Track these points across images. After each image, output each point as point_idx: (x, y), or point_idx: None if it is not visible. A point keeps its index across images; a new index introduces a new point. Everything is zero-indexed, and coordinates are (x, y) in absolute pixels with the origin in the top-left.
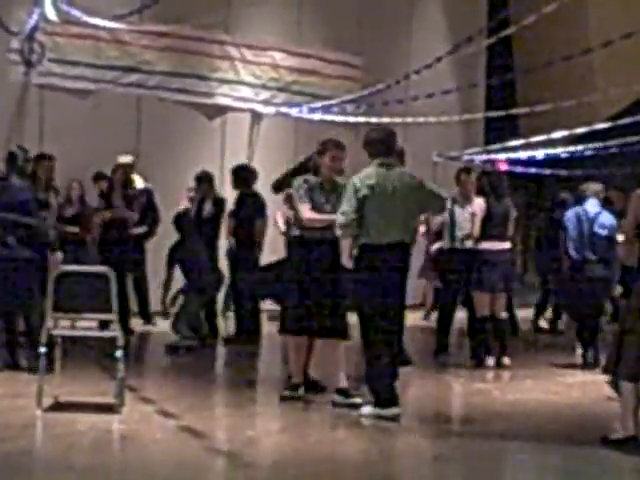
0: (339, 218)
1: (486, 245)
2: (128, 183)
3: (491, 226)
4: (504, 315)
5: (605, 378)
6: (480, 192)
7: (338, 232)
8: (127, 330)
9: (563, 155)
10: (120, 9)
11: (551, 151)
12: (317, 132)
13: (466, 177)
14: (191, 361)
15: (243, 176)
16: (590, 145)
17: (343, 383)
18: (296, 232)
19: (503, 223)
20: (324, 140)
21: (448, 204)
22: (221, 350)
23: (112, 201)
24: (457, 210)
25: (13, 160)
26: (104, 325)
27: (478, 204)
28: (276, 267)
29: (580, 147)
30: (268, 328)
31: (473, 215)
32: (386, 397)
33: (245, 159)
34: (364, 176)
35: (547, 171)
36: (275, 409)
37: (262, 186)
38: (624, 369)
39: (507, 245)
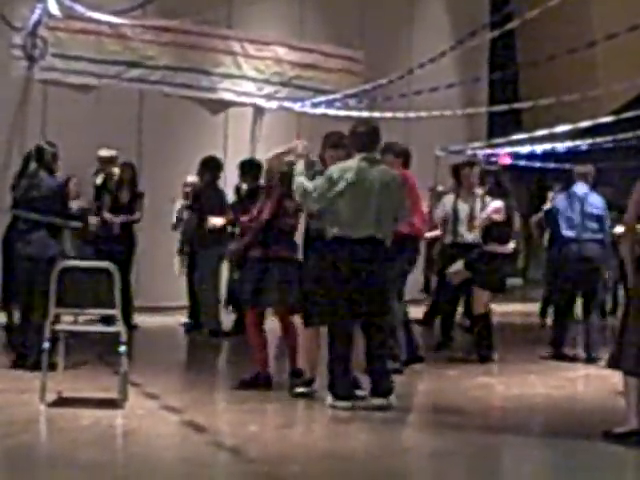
0: (309, 187)
1: (492, 247)
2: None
3: (499, 227)
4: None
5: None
6: (488, 191)
7: (301, 199)
8: (130, 325)
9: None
10: (122, 4)
11: (552, 145)
12: (320, 127)
13: (469, 171)
14: (194, 356)
15: (249, 170)
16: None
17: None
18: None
19: (507, 224)
20: (327, 134)
21: (451, 198)
22: (224, 345)
23: (120, 199)
24: (460, 205)
25: (41, 155)
26: (106, 320)
27: (497, 206)
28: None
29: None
30: (271, 324)
31: (489, 214)
32: (340, 391)
33: (247, 154)
34: (342, 169)
35: (551, 165)
36: (278, 404)
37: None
38: (627, 363)
39: (511, 245)
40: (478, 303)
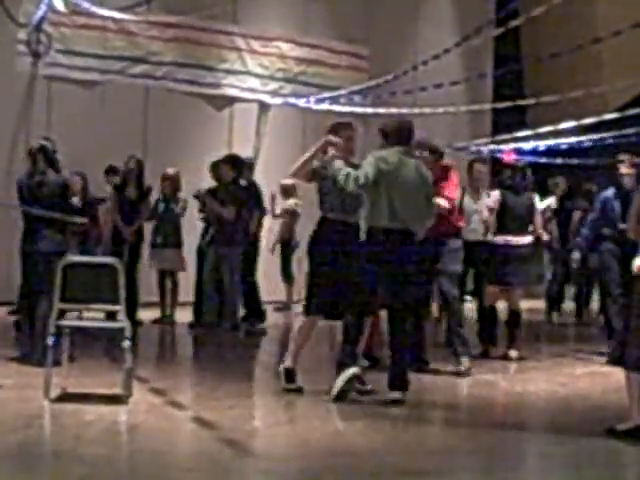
0: (359, 174)
1: (499, 239)
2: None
3: (508, 220)
4: (519, 308)
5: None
6: (500, 185)
7: (351, 186)
8: (135, 321)
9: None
10: (127, 0)
11: (556, 142)
12: (324, 123)
13: (479, 167)
14: (198, 352)
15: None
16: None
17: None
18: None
19: (522, 218)
20: (333, 123)
21: (458, 194)
22: (228, 340)
23: (126, 193)
24: (467, 201)
25: (46, 153)
26: (111, 316)
27: (493, 196)
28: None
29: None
30: (274, 319)
31: (490, 209)
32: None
33: (252, 150)
34: (383, 156)
35: (558, 160)
36: (283, 400)
37: (269, 176)
38: (630, 359)
39: (527, 239)
40: (488, 298)
